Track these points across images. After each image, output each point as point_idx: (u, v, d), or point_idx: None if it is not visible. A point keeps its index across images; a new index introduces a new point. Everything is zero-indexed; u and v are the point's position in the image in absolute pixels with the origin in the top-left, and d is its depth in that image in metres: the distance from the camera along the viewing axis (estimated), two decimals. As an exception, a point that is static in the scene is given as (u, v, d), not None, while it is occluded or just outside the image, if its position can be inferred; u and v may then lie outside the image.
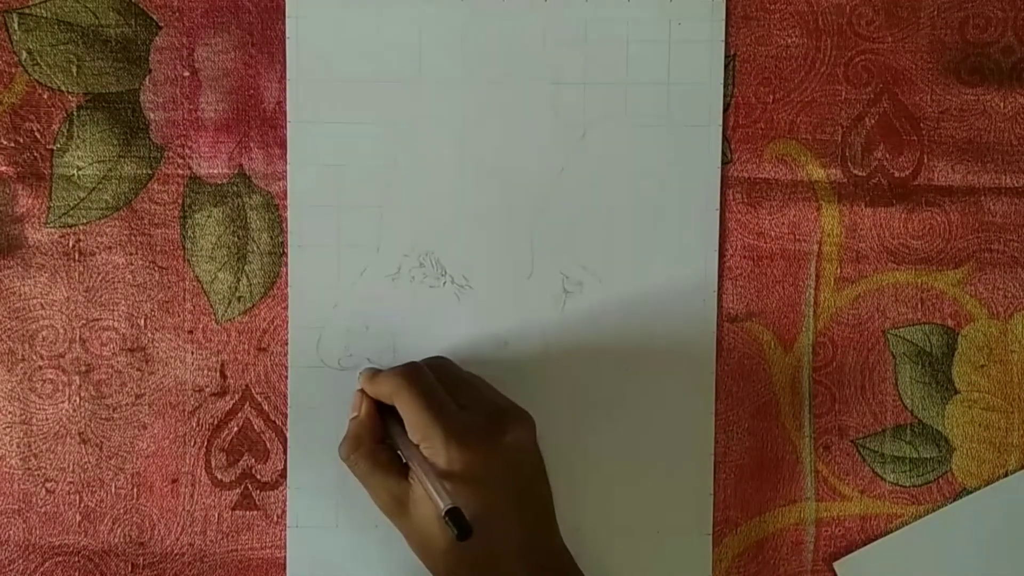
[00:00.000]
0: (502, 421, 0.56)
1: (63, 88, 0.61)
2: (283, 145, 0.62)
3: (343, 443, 0.57)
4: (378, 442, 0.57)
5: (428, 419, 0.54)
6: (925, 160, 0.63)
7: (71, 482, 0.62)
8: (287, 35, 0.61)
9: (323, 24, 0.61)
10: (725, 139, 0.62)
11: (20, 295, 0.61)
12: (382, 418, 0.57)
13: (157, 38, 0.61)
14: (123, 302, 0.62)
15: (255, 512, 0.62)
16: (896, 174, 0.63)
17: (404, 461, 0.56)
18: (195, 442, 0.62)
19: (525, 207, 0.62)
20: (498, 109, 0.62)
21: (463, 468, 0.53)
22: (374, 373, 0.58)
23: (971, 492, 0.63)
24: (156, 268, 0.62)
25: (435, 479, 0.53)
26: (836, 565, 0.62)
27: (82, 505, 0.62)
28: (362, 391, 0.58)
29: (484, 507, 0.53)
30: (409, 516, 0.55)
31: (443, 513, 0.51)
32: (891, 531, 0.63)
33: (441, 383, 0.56)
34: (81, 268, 0.62)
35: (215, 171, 0.62)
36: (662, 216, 0.62)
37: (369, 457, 0.56)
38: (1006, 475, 0.63)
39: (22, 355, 0.62)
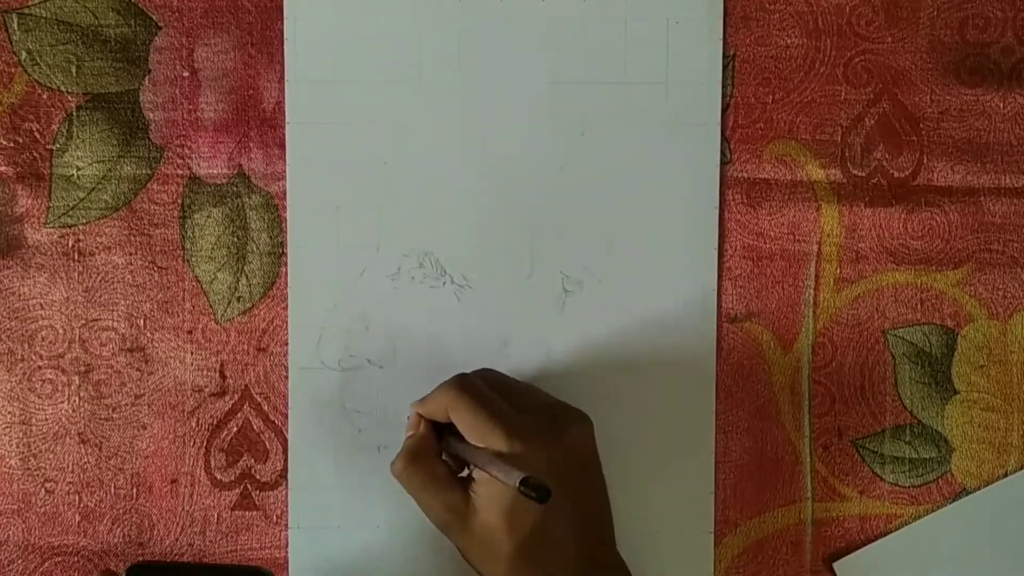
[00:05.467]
0: (561, 420, 0.56)
1: (63, 88, 0.61)
2: (283, 145, 0.62)
3: (397, 459, 0.56)
4: (434, 457, 0.56)
5: (486, 422, 0.53)
6: (925, 160, 0.63)
7: (71, 482, 0.62)
8: (286, 36, 0.61)
9: (321, 25, 0.61)
10: (725, 139, 0.62)
11: (19, 295, 0.61)
12: (438, 436, 0.56)
13: (157, 38, 0.61)
14: (122, 302, 0.62)
15: (254, 512, 0.62)
16: (896, 174, 0.63)
17: (459, 475, 0.56)
18: (194, 442, 0.62)
19: (525, 207, 0.62)
20: (497, 109, 0.62)
21: (528, 466, 0.52)
22: (424, 397, 0.57)
23: (971, 492, 0.63)
24: (155, 268, 0.62)
25: (503, 462, 0.52)
26: (836, 565, 0.62)
27: (81, 505, 0.62)
28: (416, 413, 0.57)
29: (547, 508, 0.52)
30: (468, 527, 0.54)
31: (517, 483, 0.50)
32: (890, 531, 0.63)
33: (493, 390, 0.56)
34: (80, 268, 0.61)
35: (215, 171, 0.62)
36: (662, 216, 0.62)
37: (425, 471, 0.55)
38: (1006, 475, 0.63)
39: (21, 355, 0.61)
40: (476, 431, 0.53)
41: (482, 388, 0.55)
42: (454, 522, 0.54)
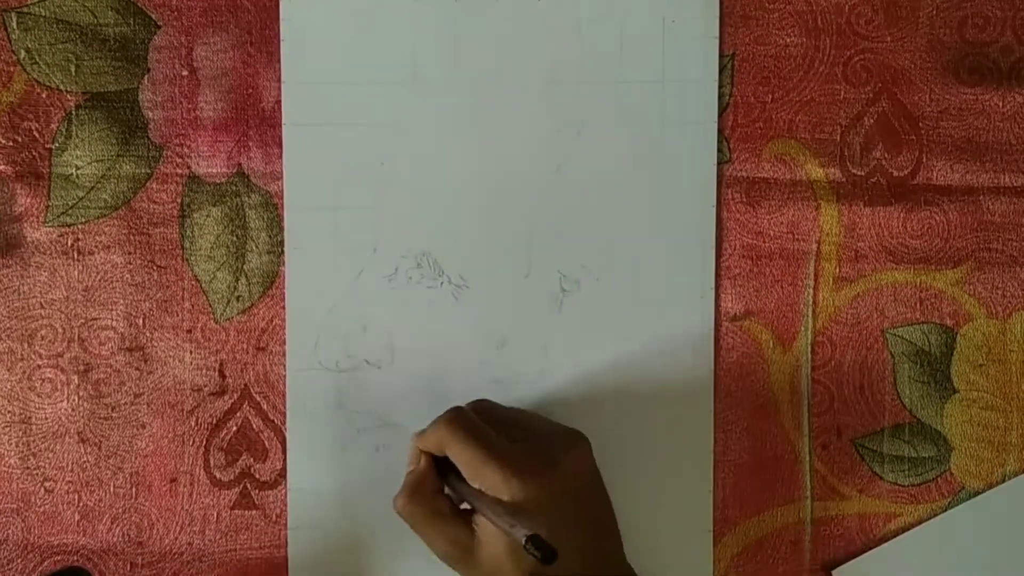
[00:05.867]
0: (556, 447, 0.56)
1: (62, 87, 0.61)
2: (282, 144, 0.62)
3: (399, 496, 0.56)
4: (436, 491, 0.56)
5: (481, 459, 0.53)
6: (924, 159, 0.63)
7: (70, 481, 0.62)
8: (282, 37, 0.61)
9: (317, 26, 0.61)
10: (724, 139, 0.62)
11: (19, 294, 0.61)
12: (439, 470, 0.56)
13: (156, 37, 0.61)
14: (122, 301, 0.62)
15: (254, 511, 0.62)
16: (895, 173, 0.63)
17: (463, 508, 0.55)
18: (194, 441, 0.62)
19: (522, 207, 0.62)
20: (493, 109, 0.62)
21: (526, 499, 0.52)
22: (423, 431, 0.57)
23: (970, 491, 0.63)
24: (155, 267, 0.62)
25: (505, 512, 0.52)
26: (835, 573, 0.62)
27: (81, 504, 0.62)
28: (416, 446, 0.57)
29: (557, 529, 0.52)
30: (475, 560, 0.54)
31: (524, 541, 0.50)
32: (889, 530, 0.63)
33: (486, 423, 0.56)
34: (80, 267, 0.62)
35: (214, 170, 0.62)
36: (659, 214, 0.62)
37: (427, 505, 0.55)
38: (1004, 474, 0.63)
39: (21, 354, 0.62)
40: (471, 468, 0.53)
41: (474, 421, 0.55)
42: (460, 556, 0.54)
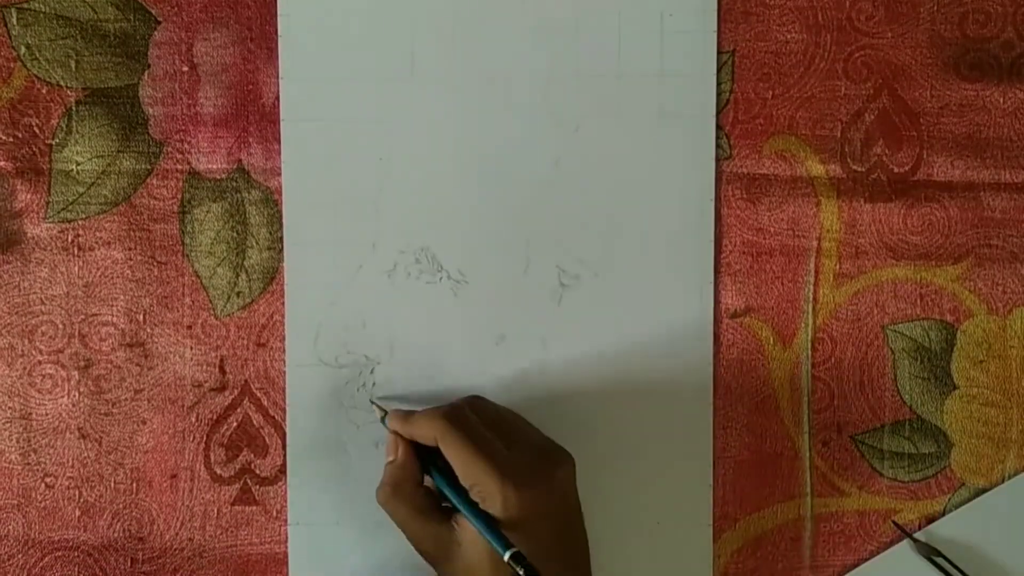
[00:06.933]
0: (549, 459, 0.56)
1: (62, 83, 0.61)
2: (281, 140, 0.62)
3: (381, 488, 0.56)
4: (417, 485, 0.56)
5: (480, 463, 0.53)
6: (924, 156, 0.63)
7: (70, 477, 0.62)
8: (279, 33, 0.61)
9: (315, 22, 0.61)
10: (725, 135, 0.62)
11: (19, 290, 0.62)
12: (420, 461, 0.56)
13: (156, 33, 0.61)
14: (122, 297, 0.62)
15: (254, 507, 0.62)
16: (895, 170, 0.63)
17: (444, 503, 0.56)
18: (194, 437, 0.62)
19: (520, 202, 0.62)
20: (491, 104, 0.62)
21: (519, 510, 0.53)
22: (407, 414, 0.57)
23: (970, 487, 0.63)
24: (155, 263, 0.62)
25: (491, 525, 0.52)
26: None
27: (81, 500, 0.62)
28: (396, 433, 0.57)
29: (537, 548, 0.52)
30: (454, 561, 0.54)
31: (507, 558, 0.50)
32: (890, 529, 0.63)
33: (482, 423, 0.56)
34: (80, 263, 0.62)
35: (214, 166, 0.62)
36: (658, 209, 0.62)
37: (409, 502, 0.55)
38: (1004, 470, 0.63)
39: (21, 350, 0.62)
40: (467, 469, 0.53)
41: (473, 422, 0.55)
42: (440, 555, 0.55)
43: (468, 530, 0.53)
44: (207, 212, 0.62)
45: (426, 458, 0.56)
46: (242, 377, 0.62)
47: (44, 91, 0.61)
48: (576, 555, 0.56)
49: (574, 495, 0.57)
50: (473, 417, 0.56)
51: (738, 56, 0.62)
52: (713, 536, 0.63)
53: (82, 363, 0.62)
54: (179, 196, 0.62)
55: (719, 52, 0.62)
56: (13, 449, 0.62)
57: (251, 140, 0.62)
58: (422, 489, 0.56)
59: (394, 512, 0.56)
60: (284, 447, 0.62)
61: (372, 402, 0.61)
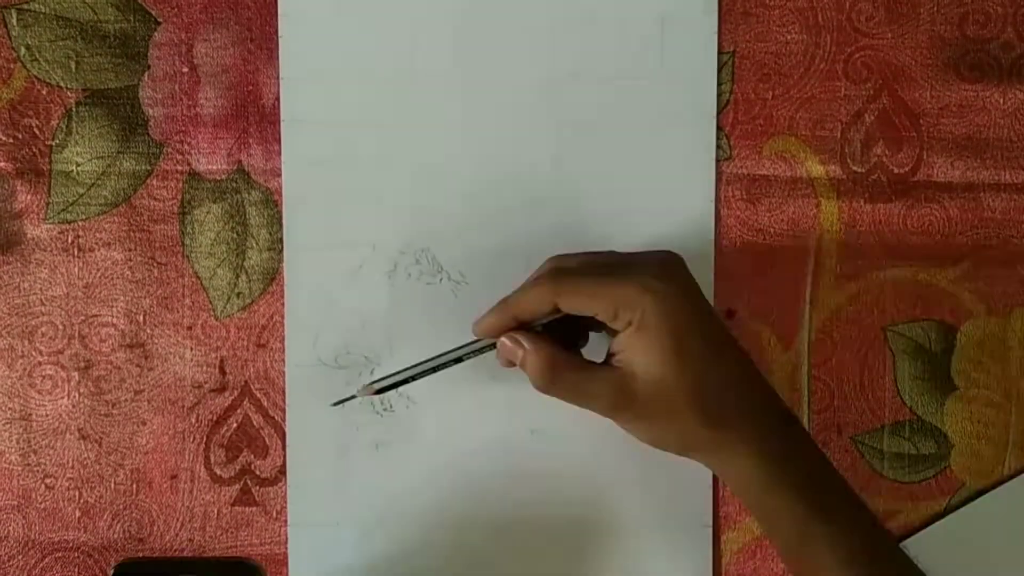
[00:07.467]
0: (664, 259, 0.55)
1: (62, 84, 0.61)
2: (281, 141, 0.62)
3: (538, 380, 0.54)
4: (568, 357, 0.55)
5: (611, 284, 0.52)
6: (924, 156, 0.63)
7: (71, 478, 0.62)
8: (279, 34, 0.61)
9: (315, 22, 0.61)
10: (725, 136, 0.62)
11: (19, 291, 0.62)
12: (547, 337, 0.55)
13: (156, 34, 0.61)
14: (122, 298, 0.62)
15: (254, 508, 0.62)
16: (895, 170, 0.63)
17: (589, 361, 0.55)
18: (194, 438, 0.62)
19: (520, 203, 0.62)
20: (492, 105, 0.62)
21: (671, 306, 0.52)
22: (498, 306, 0.55)
23: (970, 488, 0.63)
24: (155, 264, 0.62)
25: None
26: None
27: (81, 501, 0.62)
28: (509, 335, 0.55)
29: (704, 346, 0.52)
30: (636, 395, 0.53)
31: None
32: (890, 528, 0.63)
33: (579, 263, 0.55)
34: (80, 264, 0.62)
35: (214, 167, 0.62)
36: (658, 211, 0.62)
37: (567, 375, 0.54)
38: (1004, 471, 0.63)
39: (21, 351, 0.62)
40: (602, 297, 0.52)
41: (576, 263, 0.55)
42: (622, 399, 0.53)
43: (629, 359, 0.53)
44: (207, 213, 0.62)
45: (549, 330, 0.55)
46: (242, 378, 0.62)
47: (44, 92, 0.61)
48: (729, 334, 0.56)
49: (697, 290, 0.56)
50: (570, 261, 0.55)
51: (738, 57, 0.62)
52: (713, 536, 0.63)
53: (82, 364, 0.62)
54: (179, 197, 0.62)
55: (719, 53, 0.62)
56: (13, 450, 0.62)
57: (251, 141, 0.62)
58: (571, 357, 0.55)
59: (561, 393, 0.54)
60: (284, 448, 0.62)
61: (368, 386, 0.59)
